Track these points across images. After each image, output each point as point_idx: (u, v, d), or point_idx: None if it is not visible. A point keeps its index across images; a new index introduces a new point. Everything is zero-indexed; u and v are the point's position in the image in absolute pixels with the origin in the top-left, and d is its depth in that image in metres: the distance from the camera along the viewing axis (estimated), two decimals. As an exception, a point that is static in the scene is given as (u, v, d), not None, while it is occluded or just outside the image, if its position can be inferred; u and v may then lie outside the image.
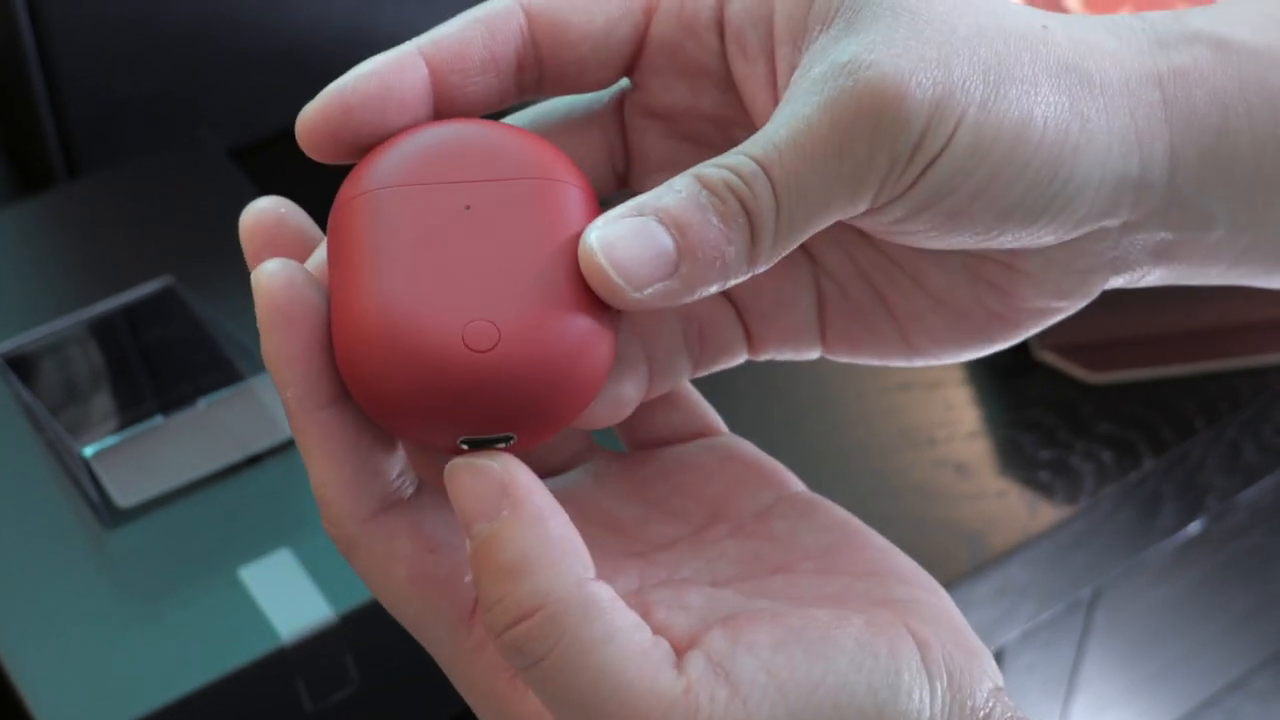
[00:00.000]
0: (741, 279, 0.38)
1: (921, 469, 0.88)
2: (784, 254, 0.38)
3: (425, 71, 0.39)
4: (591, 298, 0.37)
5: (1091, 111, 0.38)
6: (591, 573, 0.36)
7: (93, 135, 0.98)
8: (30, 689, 0.70)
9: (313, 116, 0.38)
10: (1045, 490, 0.87)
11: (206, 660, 0.71)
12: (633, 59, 0.41)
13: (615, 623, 0.36)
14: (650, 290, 0.36)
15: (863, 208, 0.38)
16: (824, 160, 0.37)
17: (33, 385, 0.81)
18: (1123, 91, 0.39)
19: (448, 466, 0.37)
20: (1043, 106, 0.38)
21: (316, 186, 0.97)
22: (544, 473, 0.43)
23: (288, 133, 1.06)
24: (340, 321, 0.37)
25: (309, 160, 1.00)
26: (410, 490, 0.39)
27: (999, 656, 0.97)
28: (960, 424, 0.90)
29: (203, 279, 0.86)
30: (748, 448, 0.44)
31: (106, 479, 0.77)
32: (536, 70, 0.40)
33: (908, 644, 0.38)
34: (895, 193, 0.37)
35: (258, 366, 0.80)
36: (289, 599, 0.73)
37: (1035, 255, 0.40)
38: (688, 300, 0.37)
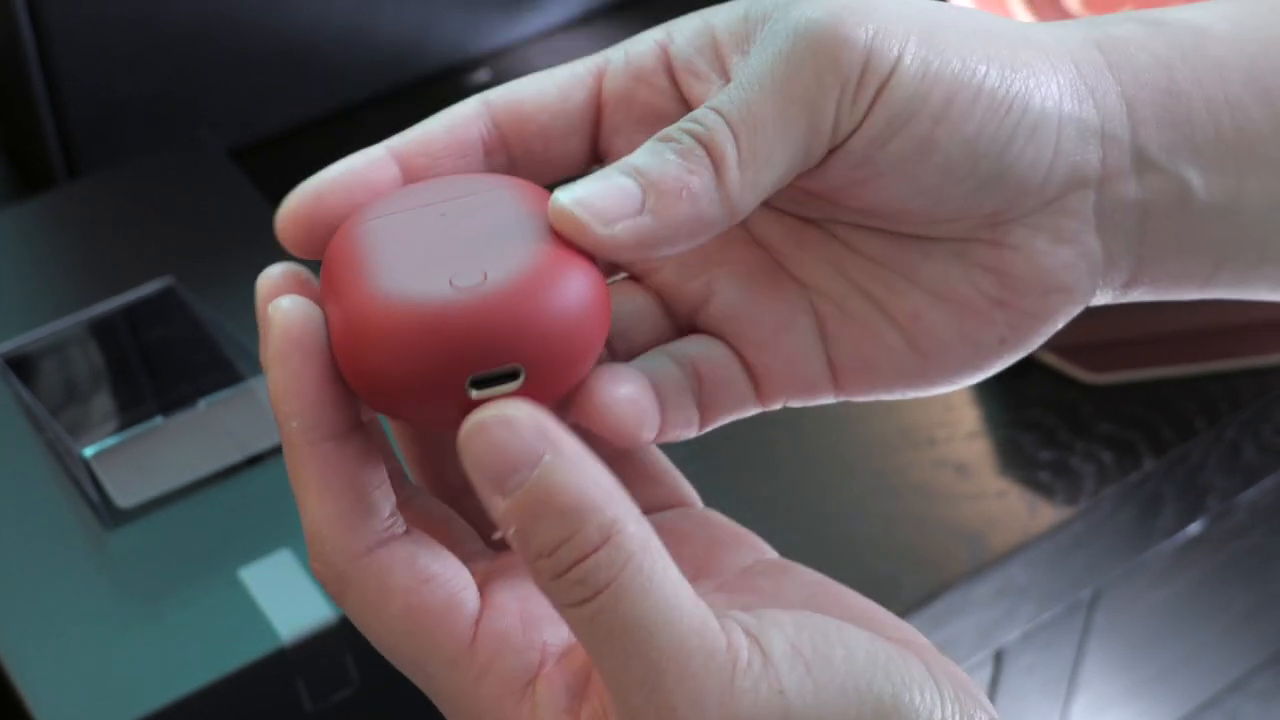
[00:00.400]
0: (720, 218, 0.38)
1: (921, 469, 0.87)
2: (759, 194, 0.39)
3: (395, 167, 0.41)
4: (571, 249, 0.38)
5: (1032, 59, 0.40)
6: (638, 509, 0.37)
7: (93, 135, 0.98)
8: (30, 689, 0.70)
9: (287, 211, 0.40)
10: (1045, 490, 0.87)
11: (206, 660, 0.71)
12: (594, 124, 0.42)
13: (669, 566, 0.37)
14: (621, 227, 0.38)
15: (825, 137, 0.39)
16: (775, 91, 0.39)
17: (33, 385, 0.81)
18: (1059, 51, 0.41)
19: (467, 424, 0.36)
20: (981, 52, 0.39)
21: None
22: None
23: (288, 133, 1.06)
24: (336, 318, 0.38)
25: (309, 161, 1.00)
26: (401, 531, 0.39)
27: (999, 657, 0.97)
28: (960, 424, 0.90)
29: (203, 279, 0.86)
30: (721, 517, 0.45)
31: (106, 479, 0.77)
32: (504, 153, 0.42)
33: (912, 657, 0.39)
34: (854, 119, 0.39)
35: (258, 367, 0.80)
36: (289, 599, 0.73)
37: (1019, 228, 0.41)
38: (670, 245, 0.38)
